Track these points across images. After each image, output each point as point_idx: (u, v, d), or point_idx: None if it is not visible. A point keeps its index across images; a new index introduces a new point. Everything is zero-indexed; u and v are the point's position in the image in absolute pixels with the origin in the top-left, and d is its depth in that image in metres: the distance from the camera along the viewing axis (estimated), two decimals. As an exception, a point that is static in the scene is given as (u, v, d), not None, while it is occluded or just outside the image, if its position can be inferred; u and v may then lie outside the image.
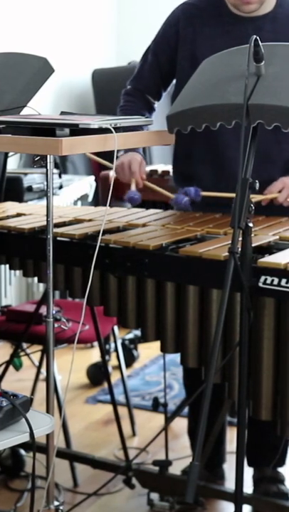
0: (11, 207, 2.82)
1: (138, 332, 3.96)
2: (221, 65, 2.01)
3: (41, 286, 3.41)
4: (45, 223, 2.04)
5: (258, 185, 1.75)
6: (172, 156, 2.72)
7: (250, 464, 2.76)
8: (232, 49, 2.04)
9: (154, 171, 3.63)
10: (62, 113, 2.20)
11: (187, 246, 2.12)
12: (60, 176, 3.74)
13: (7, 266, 2.46)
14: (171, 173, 2.92)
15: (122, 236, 2.21)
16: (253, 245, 1.88)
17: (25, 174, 3.55)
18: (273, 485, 2.72)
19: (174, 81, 2.66)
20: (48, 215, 2.02)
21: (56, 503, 2.07)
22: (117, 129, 2.02)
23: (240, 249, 1.78)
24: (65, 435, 2.98)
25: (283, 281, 1.85)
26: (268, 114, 1.81)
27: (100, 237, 2.03)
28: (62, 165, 4.61)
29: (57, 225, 2.34)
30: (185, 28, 2.56)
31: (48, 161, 1.99)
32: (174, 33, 2.59)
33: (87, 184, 4.03)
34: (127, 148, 2.49)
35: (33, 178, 3.54)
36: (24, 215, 2.59)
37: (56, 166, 3.59)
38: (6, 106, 2.18)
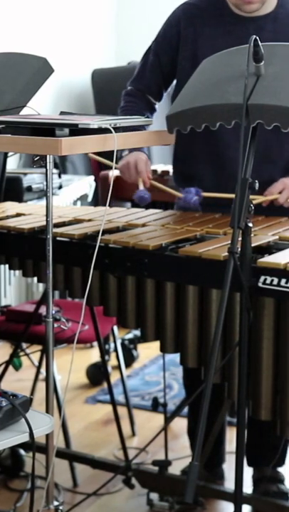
0: (10, 207, 2.82)
1: (138, 332, 3.96)
2: (220, 65, 2.01)
3: (41, 286, 3.41)
4: (44, 223, 2.04)
5: (257, 185, 1.75)
6: (172, 156, 2.72)
7: (249, 464, 2.76)
8: (232, 49, 2.04)
9: (154, 171, 3.63)
10: (62, 113, 2.20)
11: (187, 246, 2.12)
12: (59, 176, 3.74)
13: (7, 266, 2.46)
14: (170, 173, 2.92)
15: (122, 236, 2.21)
16: (253, 245, 1.88)
17: (25, 174, 3.55)
18: (273, 485, 2.72)
19: (174, 81, 2.66)
20: (47, 215, 2.02)
21: (56, 503, 2.07)
22: (117, 129, 2.02)
23: (239, 249, 1.78)
24: (64, 435, 2.98)
25: (283, 281, 1.85)
26: (268, 114, 1.81)
27: (99, 237, 2.03)
28: (62, 165, 4.61)
29: (56, 225, 2.34)
30: (186, 28, 2.56)
31: (48, 161, 1.99)
32: (176, 33, 2.58)
33: (86, 184, 4.02)
34: (127, 148, 2.49)
35: (33, 178, 3.54)
36: (24, 215, 2.59)
37: (56, 166, 3.59)
38: (5, 106, 2.18)
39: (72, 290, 2.28)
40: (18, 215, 2.61)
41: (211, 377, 1.58)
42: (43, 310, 2.71)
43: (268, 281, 1.87)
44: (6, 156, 2.93)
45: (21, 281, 3.54)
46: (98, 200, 3.96)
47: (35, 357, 3.39)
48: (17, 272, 2.75)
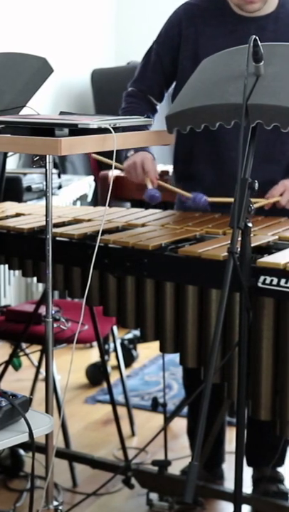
0: (10, 207, 2.82)
1: (137, 332, 3.95)
2: (220, 65, 2.01)
3: (40, 286, 3.41)
4: (44, 223, 2.04)
5: (257, 185, 1.75)
6: (173, 156, 2.72)
7: (249, 464, 2.76)
8: (231, 49, 2.04)
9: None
10: (62, 113, 2.20)
11: (186, 246, 2.11)
12: (59, 176, 3.74)
13: (6, 266, 2.46)
14: (170, 173, 2.92)
15: (121, 236, 2.21)
16: (252, 245, 1.88)
17: (25, 174, 3.55)
18: (273, 485, 2.71)
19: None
20: (47, 215, 2.02)
21: (55, 503, 2.07)
22: (117, 129, 2.02)
23: (239, 249, 1.78)
24: (64, 435, 2.98)
25: (282, 281, 1.85)
26: (267, 114, 1.81)
27: (99, 237, 2.03)
28: (62, 165, 4.61)
29: (56, 225, 2.34)
30: (187, 27, 2.56)
31: (47, 161, 1.99)
32: (177, 33, 2.58)
33: (86, 184, 4.03)
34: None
35: (32, 178, 3.54)
36: (23, 215, 2.59)
37: (55, 166, 3.59)
38: (5, 106, 2.18)
39: (71, 290, 2.28)
40: (17, 215, 2.61)
41: (210, 377, 1.58)
42: (42, 310, 2.71)
43: (267, 281, 1.87)
44: (5, 156, 2.93)
45: (21, 281, 3.54)
46: (98, 200, 3.97)
47: (35, 357, 3.39)
48: (17, 271, 2.75)
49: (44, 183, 2.03)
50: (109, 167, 2.16)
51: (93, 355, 4.21)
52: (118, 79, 4.65)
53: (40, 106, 2.31)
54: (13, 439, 1.74)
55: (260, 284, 1.88)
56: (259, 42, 1.80)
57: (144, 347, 4.25)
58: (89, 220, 2.45)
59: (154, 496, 2.66)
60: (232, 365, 1.95)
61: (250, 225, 1.78)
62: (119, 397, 3.52)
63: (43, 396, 2.08)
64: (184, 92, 2.03)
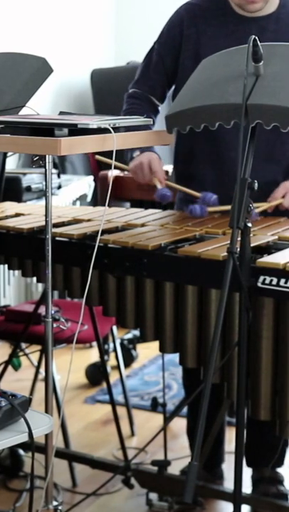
0: (9, 207, 2.82)
1: (137, 332, 3.96)
2: (220, 65, 2.01)
3: (40, 286, 3.41)
4: (43, 223, 2.04)
5: (256, 185, 1.75)
6: (173, 156, 2.72)
7: (248, 465, 2.76)
8: (231, 49, 2.04)
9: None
10: (61, 113, 2.20)
11: (186, 246, 2.11)
12: (58, 176, 3.74)
13: (6, 266, 2.46)
14: (170, 173, 2.92)
15: (121, 236, 2.21)
16: (252, 245, 1.88)
17: (24, 174, 3.55)
18: (272, 486, 2.71)
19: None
20: (46, 215, 2.02)
21: (55, 503, 2.07)
22: (118, 130, 2.02)
23: (239, 249, 1.78)
24: (63, 435, 2.98)
25: (282, 281, 1.85)
26: (267, 114, 1.81)
27: (98, 237, 2.03)
28: (61, 165, 4.61)
29: (56, 225, 2.34)
30: (189, 27, 2.55)
31: (47, 161, 1.99)
32: (178, 33, 2.57)
33: (85, 184, 4.02)
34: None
35: (32, 178, 3.54)
36: (23, 215, 2.59)
37: (55, 166, 3.59)
38: (4, 106, 2.18)
39: (71, 290, 2.28)
40: (17, 215, 2.61)
41: (210, 377, 1.58)
42: (42, 310, 2.71)
43: (267, 281, 1.87)
44: (5, 156, 2.93)
45: (20, 281, 3.54)
46: (97, 200, 3.97)
47: (35, 357, 3.39)
48: (16, 271, 2.75)
49: (44, 183, 2.03)
50: (109, 167, 2.16)
51: (93, 355, 4.21)
52: (118, 79, 4.66)
53: (40, 106, 2.31)
54: (12, 439, 1.74)
55: (259, 284, 1.88)
56: (259, 42, 1.80)
57: (144, 347, 4.25)
58: (88, 220, 2.45)
59: (153, 496, 2.66)
60: (232, 365, 1.96)
61: (249, 225, 1.78)
62: (119, 397, 3.52)
63: (43, 396, 2.08)
64: (183, 92, 2.03)
